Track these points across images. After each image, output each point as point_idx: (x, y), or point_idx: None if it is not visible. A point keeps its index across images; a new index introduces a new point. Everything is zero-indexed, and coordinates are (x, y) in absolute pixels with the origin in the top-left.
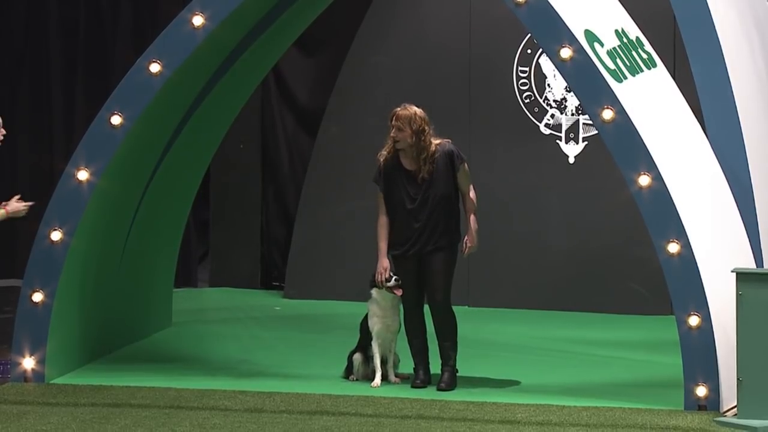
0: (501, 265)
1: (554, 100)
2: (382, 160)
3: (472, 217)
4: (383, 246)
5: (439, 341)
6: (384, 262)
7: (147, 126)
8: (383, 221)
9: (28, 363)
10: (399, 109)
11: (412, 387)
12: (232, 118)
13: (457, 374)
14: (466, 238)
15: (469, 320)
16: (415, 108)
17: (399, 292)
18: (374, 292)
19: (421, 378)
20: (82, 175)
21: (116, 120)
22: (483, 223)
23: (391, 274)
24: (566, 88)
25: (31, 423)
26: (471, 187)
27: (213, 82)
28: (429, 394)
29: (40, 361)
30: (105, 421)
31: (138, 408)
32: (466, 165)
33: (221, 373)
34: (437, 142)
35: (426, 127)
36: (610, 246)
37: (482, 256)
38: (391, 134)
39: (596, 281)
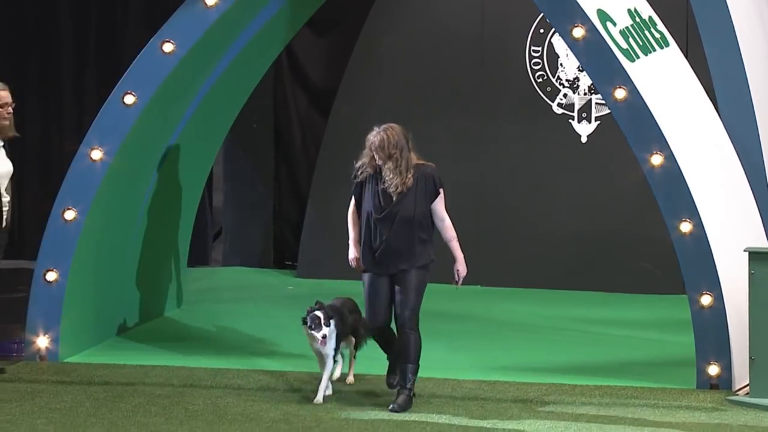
0: (513, 245)
1: (567, 80)
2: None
3: (456, 244)
4: (353, 234)
5: (401, 362)
6: (355, 252)
7: (160, 105)
8: (353, 208)
9: (42, 342)
10: (372, 135)
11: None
12: (245, 97)
13: (414, 398)
14: (456, 267)
15: (480, 300)
16: (389, 130)
17: (316, 342)
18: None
19: (397, 379)
20: (96, 154)
21: (130, 99)
22: (496, 204)
23: (324, 324)
24: (579, 67)
25: (45, 401)
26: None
27: (226, 61)
28: (442, 372)
29: (54, 340)
30: (119, 399)
31: (151, 386)
32: (443, 191)
33: (234, 351)
34: (420, 162)
35: (398, 152)
36: (622, 225)
37: (494, 236)
38: (373, 161)
39: (608, 260)
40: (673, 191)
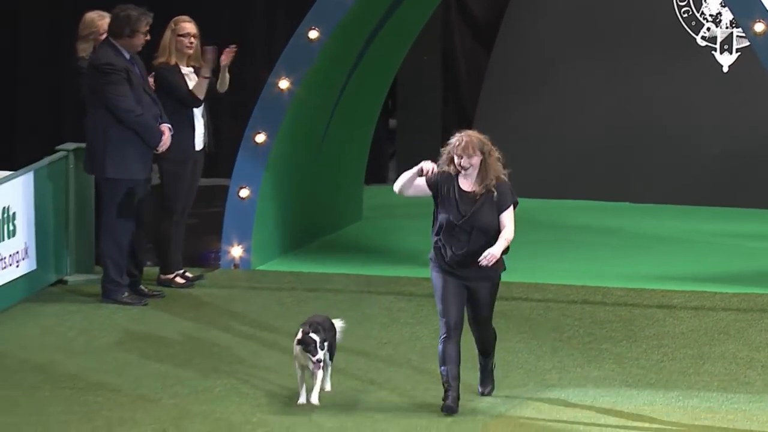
0: (658, 165)
1: (710, 14)
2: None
3: (504, 242)
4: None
5: (481, 352)
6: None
7: (340, 39)
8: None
9: (236, 251)
10: (458, 141)
11: (444, 410)
12: (416, 31)
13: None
14: (490, 249)
15: (628, 216)
16: (472, 134)
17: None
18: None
19: (452, 398)
20: (283, 83)
21: (313, 34)
22: (644, 126)
23: (319, 347)
24: (721, 3)
25: (239, 305)
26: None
27: None
28: (593, 281)
29: (247, 250)
30: (303, 303)
31: (332, 292)
32: (513, 206)
33: (407, 262)
34: (500, 177)
35: (484, 154)
36: (761, 146)
37: (641, 157)
38: (460, 163)
39: (748, 179)
40: None
